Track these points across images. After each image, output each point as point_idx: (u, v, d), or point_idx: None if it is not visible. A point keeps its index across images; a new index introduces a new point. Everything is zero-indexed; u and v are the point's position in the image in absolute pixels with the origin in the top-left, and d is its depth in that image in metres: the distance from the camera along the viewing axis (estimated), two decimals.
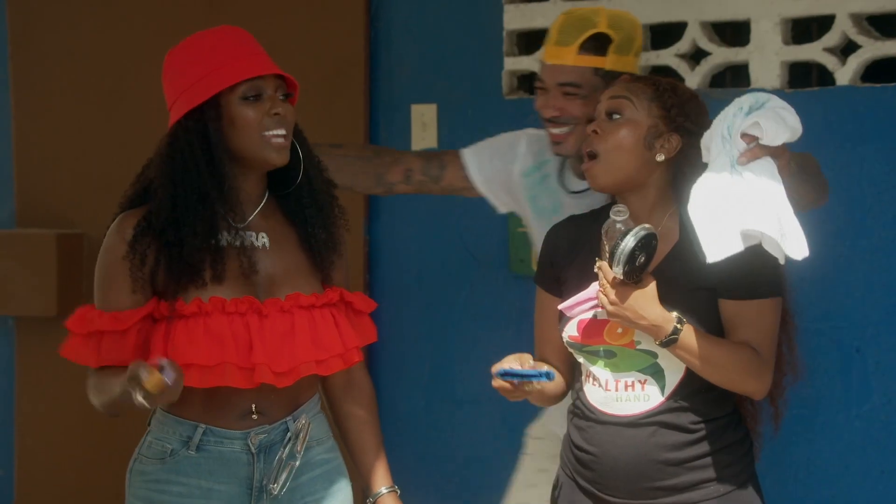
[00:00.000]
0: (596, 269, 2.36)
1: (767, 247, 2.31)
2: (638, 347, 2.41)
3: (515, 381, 2.34)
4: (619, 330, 2.40)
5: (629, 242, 2.27)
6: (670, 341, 2.34)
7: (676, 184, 2.43)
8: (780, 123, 2.31)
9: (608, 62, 2.64)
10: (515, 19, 3.58)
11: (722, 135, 2.30)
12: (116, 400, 2.30)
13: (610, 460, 2.43)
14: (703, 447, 2.43)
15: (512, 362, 2.36)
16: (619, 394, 2.43)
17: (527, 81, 3.66)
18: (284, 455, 2.40)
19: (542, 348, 2.56)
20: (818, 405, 3.24)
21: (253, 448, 2.39)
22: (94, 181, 4.03)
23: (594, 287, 2.38)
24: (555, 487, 2.60)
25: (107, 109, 4.03)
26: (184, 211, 2.33)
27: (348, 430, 2.55)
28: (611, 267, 2.31)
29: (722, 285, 2.37)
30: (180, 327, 2.34)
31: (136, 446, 2.51)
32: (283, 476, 2.40)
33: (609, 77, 2.60)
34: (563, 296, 2.52)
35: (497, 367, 2.36)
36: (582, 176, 2.65)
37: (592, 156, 2.43)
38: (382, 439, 2.56)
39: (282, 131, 2.36)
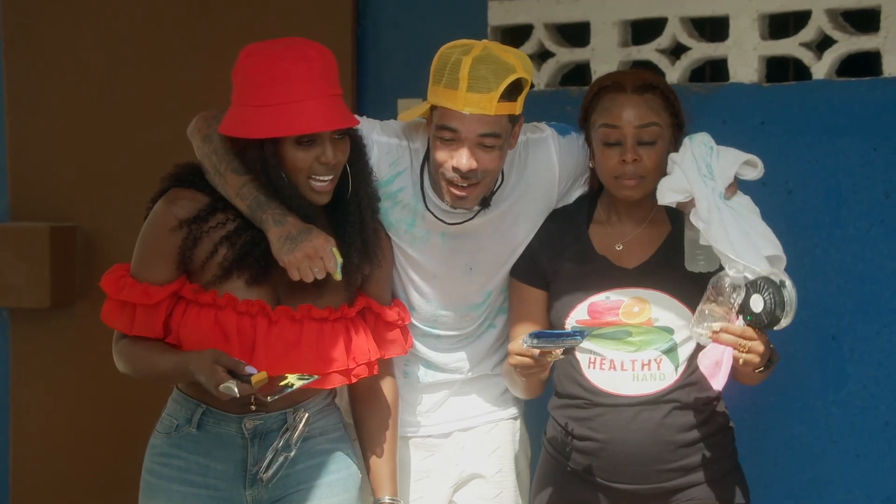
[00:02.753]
0: (712, 335, 2.35)
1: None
2: (656, 324, 2.48)
3: (551, 345, 2.32)
4: (636, 308, 2.47)
5: (793, 293, 2.34)
6: (775, 361, 2.43)
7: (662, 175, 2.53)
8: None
9: (518, 107, 2.48)
10: (499, 15, 3.62)
11: (702, 174, 2.42)
12: (158, 374, 2.41)
13: (620, 445, 2.49)
14: (709, 427, 2.52)
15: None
16: (637, 373, 2.49)
17: None
18: (279, 445, 2.44)
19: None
20: (796, 391, 3.29)
21: (247, 432, 2.44)
22: (87, 175, 4.04)
23: (717, 348, 2.36)
24: (546, 487, 2.61)
25: (100, 103, 4.03)
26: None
27: (362, 434, 2.60)
28: (775, 318, 2.33)
29: None
30: (193, 313, 2.41)
31: (130, 435, 2.57)
32: (275, 465, 2.43)
33: (514, 122, 2.50)
34: (550, 288, 2.58)
35: (514, 348, 2.38)
36: (452, 206, 2.54)
37: (635, 178, 2.50)
38: (395, 448, 2.59)
39: (327, 178, 2.39)
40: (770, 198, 3.28)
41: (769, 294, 2.34)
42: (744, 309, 2.35)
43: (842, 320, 3.25)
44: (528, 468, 2.81)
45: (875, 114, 3.21)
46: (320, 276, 2.36)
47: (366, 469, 2.58)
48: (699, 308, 2.40)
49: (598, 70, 3.50)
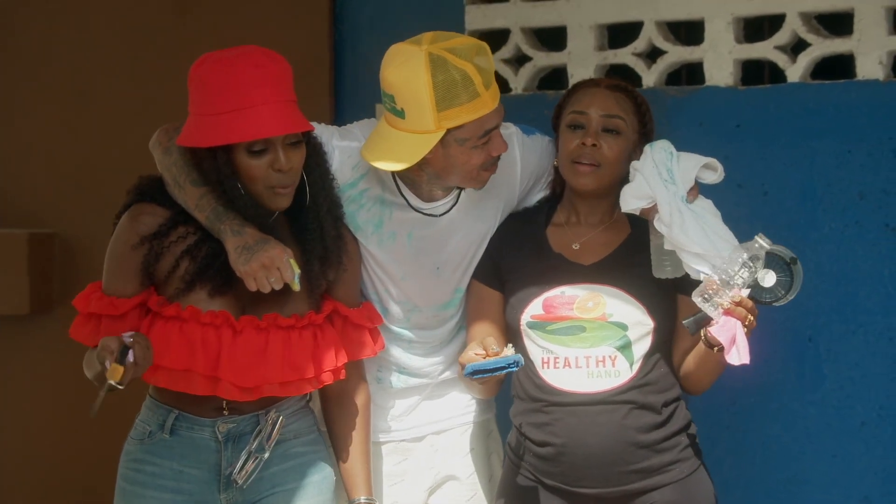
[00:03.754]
0: (727, 307, 2.35)
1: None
2: (610, 320, 2.50)
3: (487, 376, 2.36)
4: (591, 304, 2.49)
5: (801, 271, 2.40)
6: None
7: (624, 182, 2.56)
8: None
9: None
10: (477, 20, 3.62)
11: (663, 179, 2.46)
12: (93, 369, 2.38)
13: (581, 448, 2.49)
14: (670, 428, 2.53)
15: (476, 349, 2.40)
16: (591, 370, 2.51)
17: None
18: (253, 447, 2.44)
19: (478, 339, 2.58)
20: (772, 392, 3.30)
21: (220, 436, 2.44)
22: (65, 181, 4.03)
23: (730, 322, 2.37)
24: (508, 494, 2.62)
25: (78, 110, 4.02)
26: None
27: (334, 437, 2.59)
28: (779, 296, 2.39)
29: (684, 284, 2.49)
30: (158, 326, 2.40)
31: (110, 443, 2.58)
32: (249, 467, 2.44)
33: None
34: (506, 289, 2.61)
35: (465, 360, 2.41)
36: (433, 199, 2.60)
37: (591, 164, 2.54)
38: (368, 449, 2.59)
39: (285, 184, 2.39)
40: (746, 200, 3.32)
41: (780, 270, 2.39)
42: (751, 283, 2.37)
43: (818, 321, 3.26)
44: (502, 470, 2.81)
45: (849, 116, 3.23)
46: (277, 287, 2.35)
47: (339, 471, 2.58)
48: (704, 277, 2.40)
49: (575, 73, 3.51)
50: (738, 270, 2.37)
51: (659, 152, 2.49)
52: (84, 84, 4.03)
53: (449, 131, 2.46)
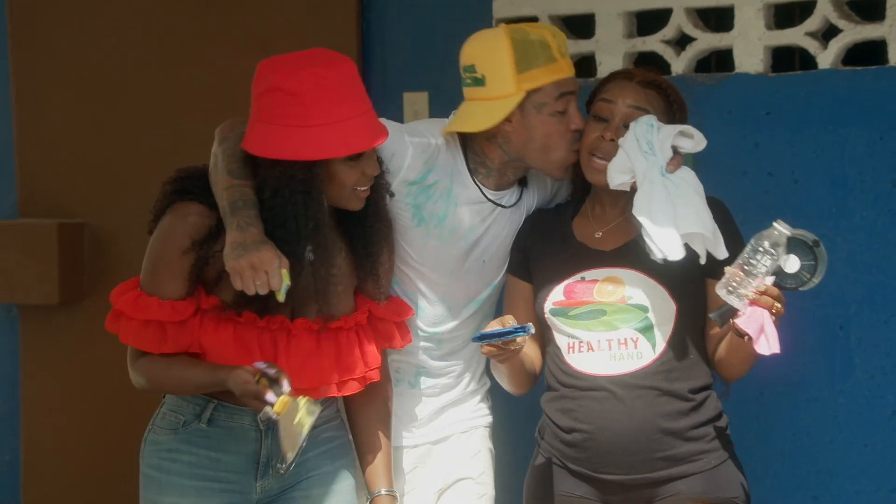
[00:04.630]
0: (752, 297, 2.33)
1: (696, 246, 2.44)
2: (629, 302, 2.50)
3: (496, 341, 2.37)
4: (610, 287, 2.49)
5: (825, 254, 2.37)
6: None
7: None
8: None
9: None
10: (504, 8, 3.60)
11: (643, 151, 2.46)
12: (191, 388, 2.41)
13: (608, 434, 2.49)
14: (698, 417, 2.52)
15: (494, 325, 2.41)
16: (614, 352, 2.51)
17: None
18: None
19: None
20: (803, 382, 3.27)
21: (262, 425, 2.45)
22: (94, 172, 4.05)
23: (756, 312, 2.35)
24: (536, 480, 2.63)
25: (107, 101, 4.04)
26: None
27: (357, 429, 2.61)
28: (804, 281, 2.35)
29: (711, 267, 2.48)
30: (211, 328, 2.41)
31: (139, 429, 2.58)
32: (290, 456, 2.44)
33: None
34: (533, 279, 2.62)
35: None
36: (503, 187, 2.66)
37: (606, 160, 2.54)
38: (390, 442, 2.61)
39: (369, 185, 2.45)
40: (776, 188, 3.30)
41: (803, 255, 2.36)
42: (775, 270, 2.35)
43: (849, 310, 3.23)
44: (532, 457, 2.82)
45: (881, 103, 3.19)
46: (262, 291, 2.32)
47: (361, 464, 2.60)
48: (727, 269, 2.38)
49: (604, 61, 3.49)
50: (760, 259, 2.34)
51: (641, 125, 2.50)
52: (113, 76, 4.04)
53: (528, 95, 2.55)
